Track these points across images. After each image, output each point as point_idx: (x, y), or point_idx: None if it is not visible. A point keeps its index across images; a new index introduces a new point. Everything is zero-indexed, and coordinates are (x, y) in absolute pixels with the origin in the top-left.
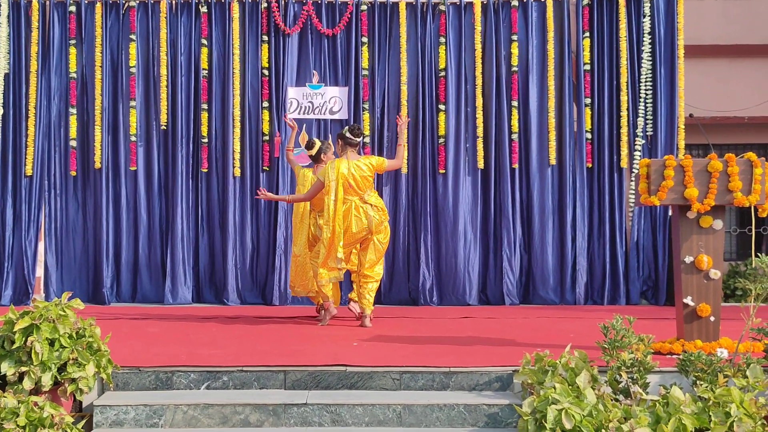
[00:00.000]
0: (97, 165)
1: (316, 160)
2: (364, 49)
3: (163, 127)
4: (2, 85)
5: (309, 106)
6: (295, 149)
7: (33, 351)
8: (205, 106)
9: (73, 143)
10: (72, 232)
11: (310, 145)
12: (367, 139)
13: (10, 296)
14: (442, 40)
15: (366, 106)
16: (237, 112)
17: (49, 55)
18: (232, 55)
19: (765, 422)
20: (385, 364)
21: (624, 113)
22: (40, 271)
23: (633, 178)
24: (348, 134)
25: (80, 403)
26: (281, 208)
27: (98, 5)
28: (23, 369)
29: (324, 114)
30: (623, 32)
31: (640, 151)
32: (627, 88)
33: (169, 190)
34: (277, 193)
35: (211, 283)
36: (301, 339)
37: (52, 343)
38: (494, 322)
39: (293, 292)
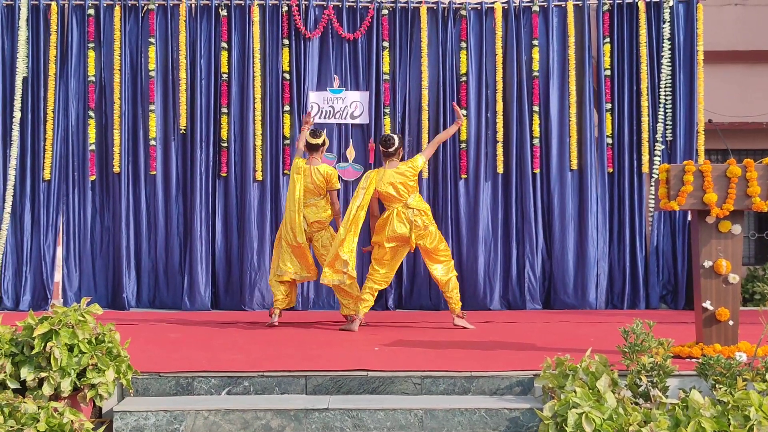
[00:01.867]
0: (116, 169)
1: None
2: (385, 53)
3: (183, 131)
4: (21, 89)
5: (330, 111)
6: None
7: (52, 356)
8: (224, 109)
9: (92, 147)
10: (90, 236)
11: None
12: None
13: (29, 301)
14: (463, 44)
15: (387, 110)
16: (258, 116)
17: (67, 59)
18: (253, 58)
19: None
20: (406, 368)
21: (644, 118)
22: (58, 276)
23: (653, 183)
24: (380, 146)
25: (100, 408)
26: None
27: (117, 8)
28: (43, 374)
29: (345, 118)
30: (643, 38)
31: (659, 156)
32: (647, 94)
33: (188, 194)
34: None
35: (230, 288)
36: (322, 344)
37: (71, 348)
38: (515, 327)
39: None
